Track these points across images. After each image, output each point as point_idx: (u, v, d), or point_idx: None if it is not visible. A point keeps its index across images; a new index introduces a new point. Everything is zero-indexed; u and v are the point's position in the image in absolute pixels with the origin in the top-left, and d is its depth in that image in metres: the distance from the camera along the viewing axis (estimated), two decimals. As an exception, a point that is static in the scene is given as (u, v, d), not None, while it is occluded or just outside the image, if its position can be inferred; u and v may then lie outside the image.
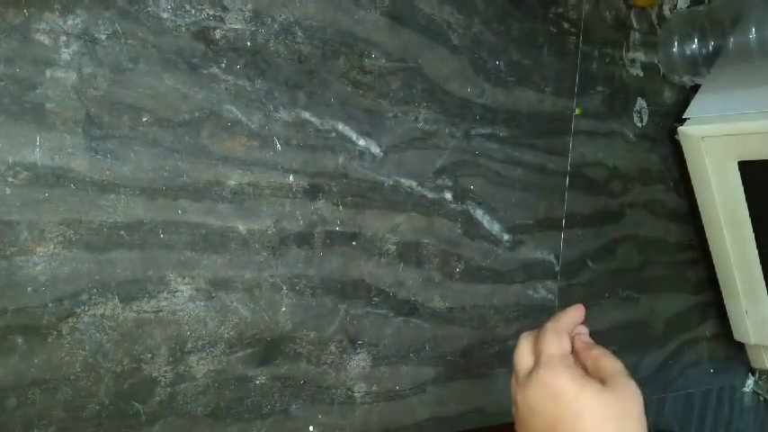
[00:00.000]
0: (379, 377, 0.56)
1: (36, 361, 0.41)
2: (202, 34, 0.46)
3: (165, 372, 0.45)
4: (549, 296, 0.69)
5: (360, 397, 0.55)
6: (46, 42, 0.40)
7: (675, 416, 0.98)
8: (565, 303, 0.70)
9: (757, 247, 0.75)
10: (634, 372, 0.79)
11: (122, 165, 0.43)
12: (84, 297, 0.42)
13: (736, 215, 0.74)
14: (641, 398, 0.40)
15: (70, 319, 0.42)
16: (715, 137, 0.71)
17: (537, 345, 0.43)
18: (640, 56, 0.77)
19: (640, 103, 0.78)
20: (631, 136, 0.77)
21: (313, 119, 0.51)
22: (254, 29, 0.48)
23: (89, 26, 0.41)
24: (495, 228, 0.63)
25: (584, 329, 0.48)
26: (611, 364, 0.42)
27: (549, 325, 0.44)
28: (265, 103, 0.49)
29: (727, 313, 0.85)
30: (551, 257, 0.69)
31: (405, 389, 0.58)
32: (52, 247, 0.41)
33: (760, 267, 0.77)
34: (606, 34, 0.73)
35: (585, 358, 0.43)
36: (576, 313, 0.46)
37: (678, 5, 0.81)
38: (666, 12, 0.80)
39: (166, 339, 0.45)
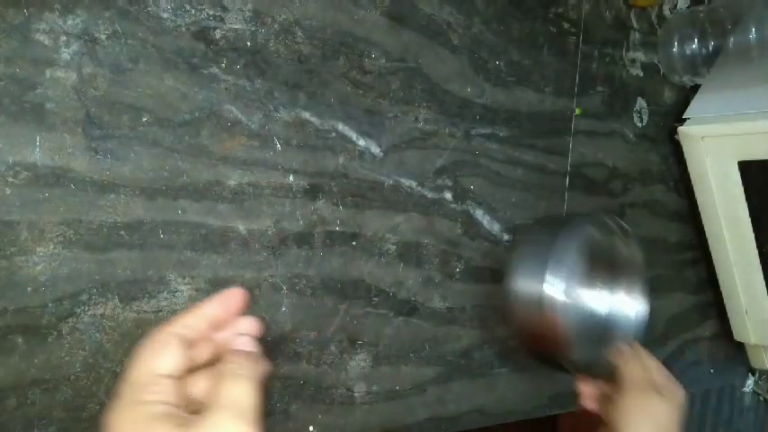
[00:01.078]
0: (379, 377, 0.56)
1: (36, 361, 0.41)
2: (202, 34, 0.46)
3: (165, 372, 0.45)
4: (549, 296, 0.69)
5: (360, 397, 0.55)
6: (46, 42, 0.40)
7: (675, 416, 0.97)
8: (565, 303, 0.70)
9: (757, 247, 0.75)
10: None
11: (122, 165, 0.43)
12: (84, 297, 0.42)
13: (736, 215, 0.74)
14: None
15: (70, 319, 0.42)
16: (715, 137, 0.71)
17: None
18: (640, 56, 0.77)
19: (640, 103, 0.78)
20: (631, 136, 0.77)
21: (313, 119, 0.51)
22: (254, 29, 0.48)
23: (89, 26, 0.41)
24: (495, 228, 0.63)
25: (248, 326, 0.37)
26: (225, 393, 0.31)
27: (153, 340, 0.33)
28: (265, 103, 0.49)
29: (727, 313, 0.85)
30: (551, 257, 0.69)
31: (405, 389, 0.58)
32: (52, 247, 0.41)
33: (760, 267, 0.77)
34: (606, 34, 0.73)
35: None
36: (215, 308, 0.36)
37: (678, 5, 0.81)
38: (666, 12, 0.80)
39: (166, 339, 0.45)
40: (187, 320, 0.35)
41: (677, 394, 0.51)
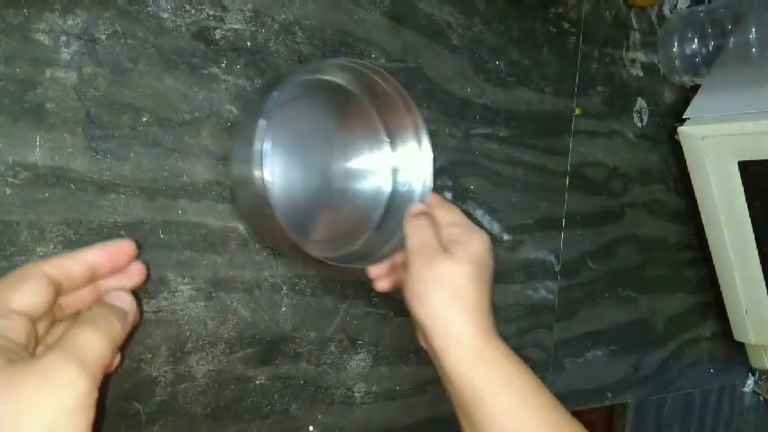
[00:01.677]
0: (379, 377, 0.56)
1: (36, 361, 0.41)
2: (202, 34, 0.46)
3: (165, 372, 0.45)
4: (549, 296, 0.69)
5: (360, 397, 0.55)
6: (46, 42, 0.40)
7: (675, 416, 0.98)
8: (565, 303, 0.70)
9: (757, 247, 0.75)
10: (634, 371, 0.79)
11: (122, 165, 0.43)
12: (84, 297, 0.42)
13: (736, 215, 0.74)
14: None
15: (70, 319, 0.42)
16: (715, 137, 0.71)
17: None
18: (640, 56, 0.77)
19: (640, 103, 0.78)
20: (631, 136, 0.77)
21: (313, 119, 0.51)
22: (254, 29, 0.48)
23: (89, 26, 0.41)
24: (495, 228, 0.63)
25: (131, 278, 0.36)
26: (70, 336, 0.30)
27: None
28: (265, 103, 0.49)
29: (727, 313, 0.85)
30: (551, 257, 0.69)
31: (405, 389, 0.58)
32: (52, 247, 0.41)
33: (760, 267, 0.76)
34: (606, 34, 0.73)
35: None
36: (97, 255, 0.34)
37: (678, 5, 0.81)
38: (666, 12, 0.80)
39: (166, 339, 0.45)
40: (63, 261, 0.32)
41: (471, 246, 0.43)
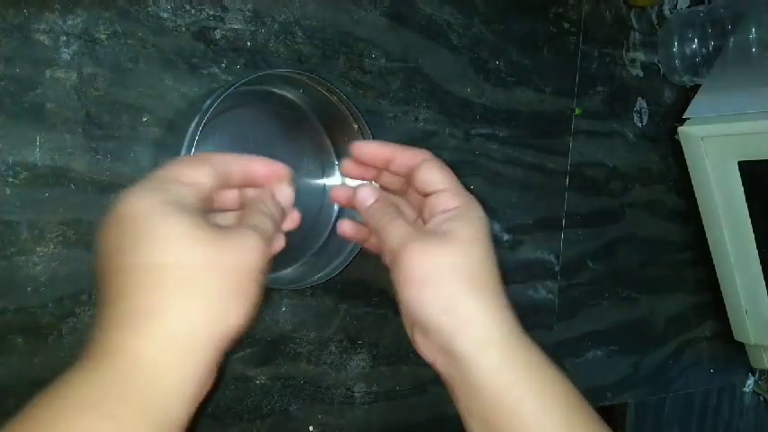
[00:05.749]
0: (379, 377, 0.56)
1: (36, 361, 0.41)
2: (202, 34, 0.46)
3: (165, 372, 0.45)
4: (549, 296, 0.69)
5: (360, 397, 0.55)
6: (46, 42, 0.40)
7: (675, 416, 0.98)
8: (565, 303, 0.70)
9: (757, 247, 0.75)
10: (634, 371, 0.79)
11: (122, 165, 0.43)
12: (85, 297, 0.42)
13: (736, 215, 0.74)
14: None
15: (70, 319, 0.42)
16: (715, 137, 0.71)
17: None
18: (640, 56, 0.77)
19: (640, 103, 0.78)
20: (631, 136, 0.77)
21: (313, 119, 0.51)
22: (254, 29, 0.48)
23: (89, 26, 0.41)
24: (494, 228, 0.63)
25: (284, 194, 0.36)
26: (248, 218, 0.34)
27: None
28: (265, 103, 0.49)
29: (727, 313, 0.84)
30: (551, 257, 0.69)
31: (405, 389, 0.58)
32: (52, 247, 0.41)
33: (760, 267, 0.76)
34: (606, 34, 0.73)
35: None
36: (260, 165, 0.36)
37: (678, 5, 0.81)
38: (666, 12, 0.80)
39: (166, 339, 0.45)
40: (227, 159, 0.34)
41: (473, 217, 0.35)
